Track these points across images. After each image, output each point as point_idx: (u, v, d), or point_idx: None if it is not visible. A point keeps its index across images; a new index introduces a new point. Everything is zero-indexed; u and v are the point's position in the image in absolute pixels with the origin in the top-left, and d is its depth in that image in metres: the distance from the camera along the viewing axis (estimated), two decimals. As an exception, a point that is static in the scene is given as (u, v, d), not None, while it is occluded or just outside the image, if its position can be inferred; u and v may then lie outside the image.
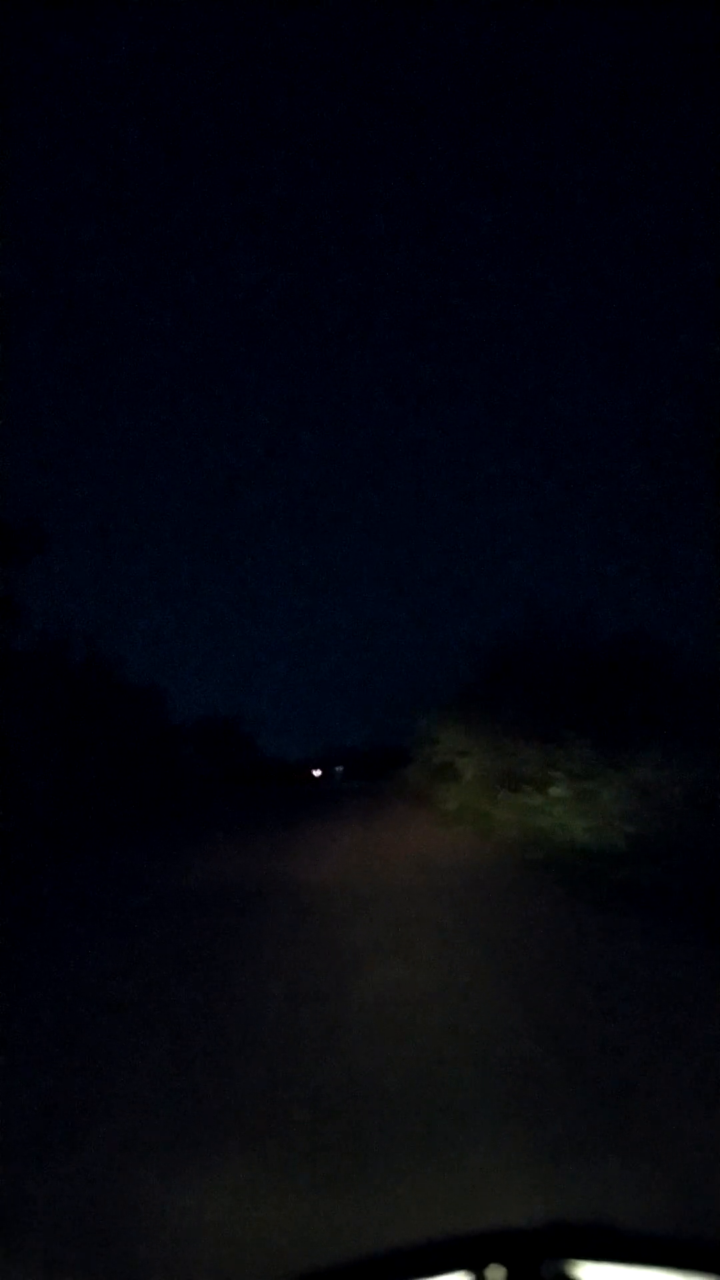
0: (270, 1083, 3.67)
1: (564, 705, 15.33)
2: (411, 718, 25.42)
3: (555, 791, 12.69)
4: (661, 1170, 2.73)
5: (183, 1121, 3.34)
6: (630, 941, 6.31)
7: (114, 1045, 4.31)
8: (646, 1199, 2.57)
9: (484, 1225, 2.21)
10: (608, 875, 9.05)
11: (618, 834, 10.24)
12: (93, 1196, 2.77)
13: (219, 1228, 2.53)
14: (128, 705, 23.78)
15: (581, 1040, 4.00)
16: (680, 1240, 1.26)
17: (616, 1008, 4.56)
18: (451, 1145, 2.99)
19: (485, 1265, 1.05)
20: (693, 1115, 3.15)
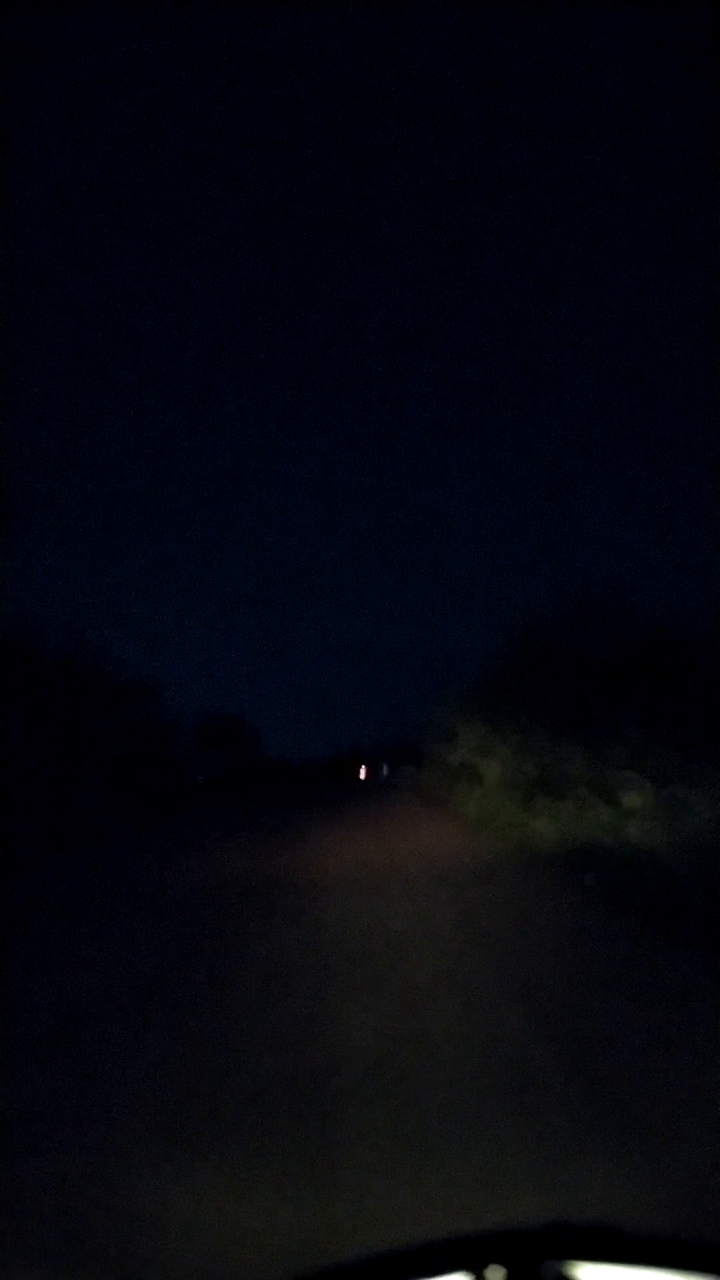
0: (260, 1085, 3.64)
1: (618, 695, 12.56)
2: (425, 711, 22.76)
3: (631, 800, 9.98)
4: None
5: (179, 1119, 3.36)
6: None
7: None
8: None
9: (484, 1225, 1.95)
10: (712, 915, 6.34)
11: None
12: (91, 1195, 2.77)
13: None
14: (114, 701, 21.17)
15: None
16: (681, 1241, 1.15)
17: None
18: None
19: (485, 1266, 1.04)
20: None
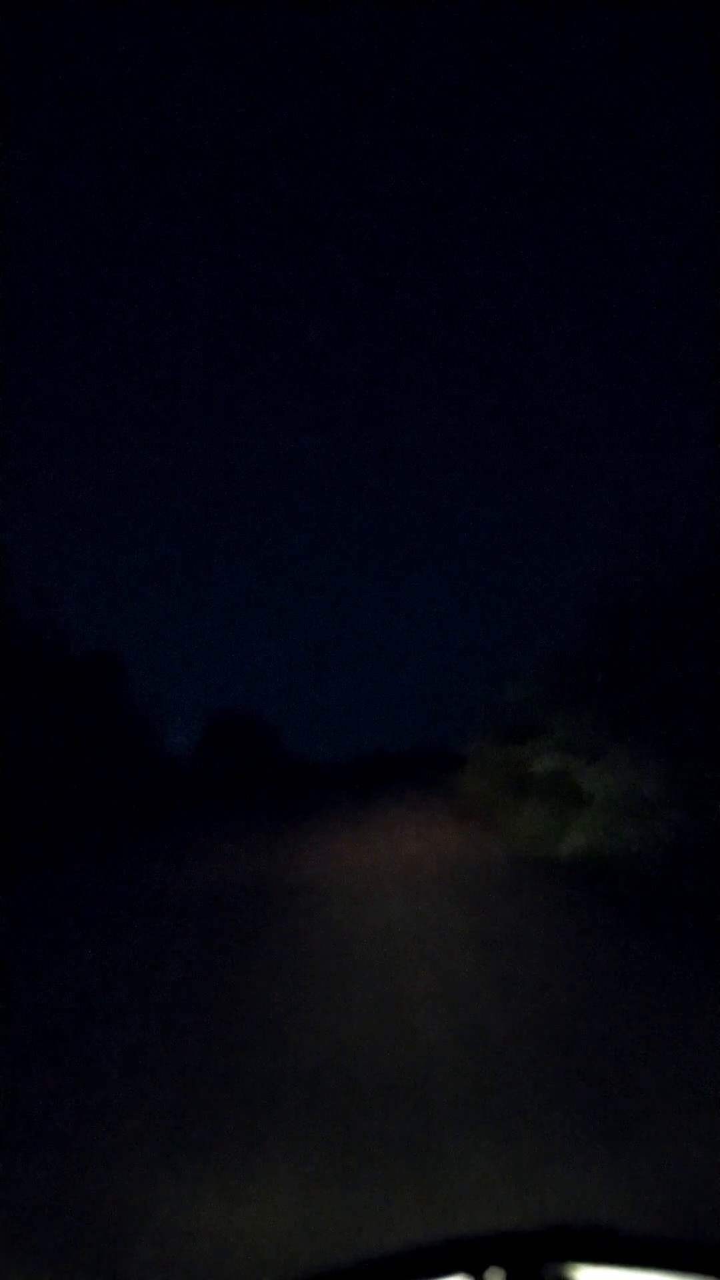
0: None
1: None
2: (479, 698, 16.33)
3: None
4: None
5: (173, 1116, 3.50)
6: None
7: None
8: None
9: (484, 1228, 2.05)
10: None
11: None
12: (90, 1193, 2.91)
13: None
14: (61, 679, 15.31)
15: None
16: (682, 1243, 1.12)
17: None
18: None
19: (485, 1268, 1.01)
20: None
